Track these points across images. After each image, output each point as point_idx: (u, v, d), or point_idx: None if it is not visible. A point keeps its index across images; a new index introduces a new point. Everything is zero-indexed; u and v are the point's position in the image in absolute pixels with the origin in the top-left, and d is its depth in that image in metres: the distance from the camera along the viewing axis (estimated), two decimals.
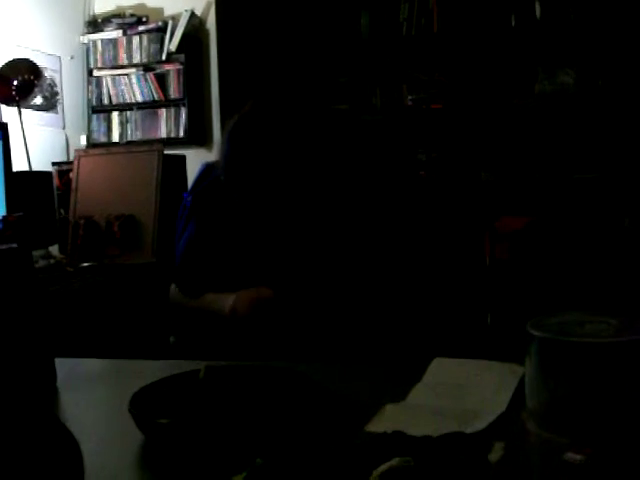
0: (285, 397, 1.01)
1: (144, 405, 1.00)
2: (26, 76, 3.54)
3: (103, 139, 4.87)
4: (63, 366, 1.33)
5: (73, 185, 3.86)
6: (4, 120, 3.74)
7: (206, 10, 4.82)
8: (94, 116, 4.91)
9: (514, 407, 0.97)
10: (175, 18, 4.76)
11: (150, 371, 1.21)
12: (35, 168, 3.86)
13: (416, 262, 3.92)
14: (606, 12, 4.52)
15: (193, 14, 4.74)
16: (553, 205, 4.44)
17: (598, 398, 0.78)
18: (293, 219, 1.85)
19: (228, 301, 1.86)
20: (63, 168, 3.93)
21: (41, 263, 3.32)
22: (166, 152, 3.68)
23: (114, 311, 2.93)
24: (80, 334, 2.58)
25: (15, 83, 3.54)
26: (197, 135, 4.81)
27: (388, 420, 0.93)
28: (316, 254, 1.87)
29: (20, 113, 3.68)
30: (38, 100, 4.28)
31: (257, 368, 1.10)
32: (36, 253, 3.42)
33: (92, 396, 1.26)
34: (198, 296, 1.98)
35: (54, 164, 3.95)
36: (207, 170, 2.24)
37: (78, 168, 3.89)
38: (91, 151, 4.34)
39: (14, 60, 3.65)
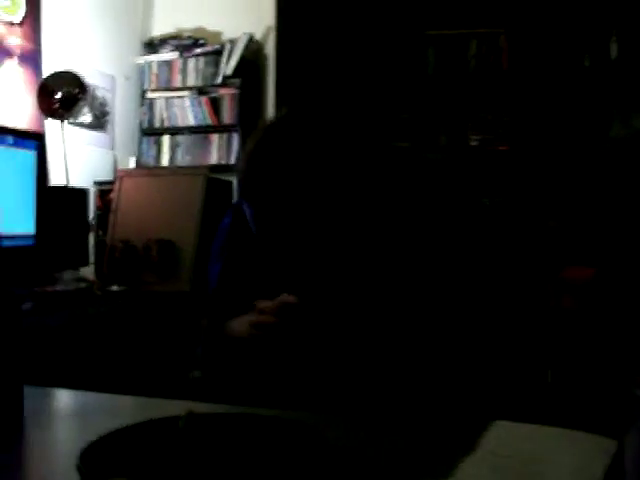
0: (285, 457, 0.74)
1: (100, 458, 0.75)
2: (70, 89, 3.37)
3: (152, 162, 4.68)
4: (45, 397, 1.11)
5: (113, 206, 3.70)
6: (46, 134, 3.60)
7: (266, 35, 4.65)
8: (144, 138, 4.74)
9: None
10: (233, 42, 4.58)
11: (132, 410, 0.96)
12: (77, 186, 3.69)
13: (473, 309, 3.63)
14: None
15: (252, 38, 4.57)
16: (622, 256, 4.14)
17: None
18: (317, 244, 1.59)
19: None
20: (105, 188, 3.77)
21: (70, 285, 3.13)
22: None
23: (138, 339, 2.70)
24: (97, 362, 2.36)
25: (58, 95, 3.38)
26: None
27: None
28: (347, 286, 1.61)
29: (62, 127, 3.52)
30: (88, 118, 4.14)
31: (252, 417, 0.83)
32: (66, 276, 3.26)
33: (60, 434, 1.01)
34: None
35: (96, 183, 3.80)
36: None
37: (120, 189, 3.73)
38: (134, 172, 4.18)
39: (59, 72, 3.49)
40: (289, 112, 1.61)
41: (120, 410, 1.09)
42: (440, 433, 0.90)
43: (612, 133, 4.66)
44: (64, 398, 1.25)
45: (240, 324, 1.61)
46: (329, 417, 0.98)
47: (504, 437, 0.83)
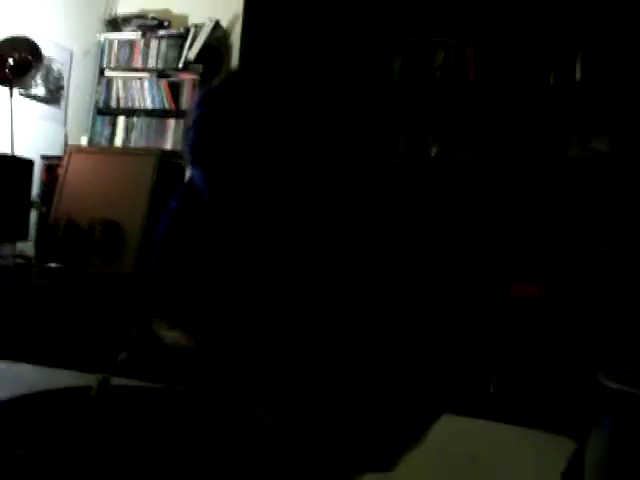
0: (208, 439, 0.65)
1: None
2: (23, 55, 3.22)
3: (105, 143, 4.54)
4: None
5: (59, 182, 3.56)
6: None
7: (232, 22, 4.54)
8: (99, 118, 4.59)
9: None
10: (198, 27, 4.47)
11: (45, 380, 0.86)
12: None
13: (422, 313, 3.59)
14: None
15: (218, 25, 4.47)
16: (571, 274, 4.14)
17: None
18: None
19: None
20: (52, 162, 3.63)
21: (7, 260, 3.00)
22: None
23: (71, 317, 2.58)
24: (26, 335, 2.24)
25: (10, 61, 3.23)
26: None
27: None
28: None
29: (11, 94, 3.37)
30: (41, 91, 3.99)
31: (173, 393, 0.74)
32: (3, 249, 3.12)
33: None
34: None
35: (43, 157, 3.66)
36: None
37: (68, 164, 3.60)
38: (84, 148, 4.03)
39: (12, 37, 3.33)
40: (232, 76, 1.60)
41: (31, 379, 0.99)
42: (388, 422, 0.82)
43: (570, 153, 4.66)
44: None
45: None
46: (267, 402, 0.90)
47: (453, 431, 0.75)
